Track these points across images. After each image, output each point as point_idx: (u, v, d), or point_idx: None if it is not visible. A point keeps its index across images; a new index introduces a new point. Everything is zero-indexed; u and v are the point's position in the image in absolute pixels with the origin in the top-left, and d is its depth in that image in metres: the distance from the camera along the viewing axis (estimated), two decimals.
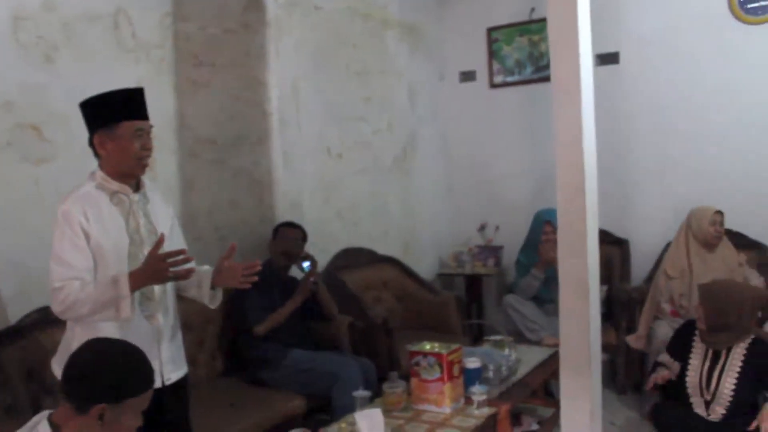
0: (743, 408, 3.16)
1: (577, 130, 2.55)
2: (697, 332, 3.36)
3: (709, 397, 3.24)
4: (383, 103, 4.89)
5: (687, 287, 3.90)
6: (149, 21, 3.41)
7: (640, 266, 4.71)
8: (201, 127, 3.67)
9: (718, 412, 3.22)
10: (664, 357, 3.48)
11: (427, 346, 2.90)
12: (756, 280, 3.98)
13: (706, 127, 4.60)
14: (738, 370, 3.21)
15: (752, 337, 3.26)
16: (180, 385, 2.40)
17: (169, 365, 2.32)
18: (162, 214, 2.38)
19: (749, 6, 4.46)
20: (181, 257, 2.08)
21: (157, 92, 3.38)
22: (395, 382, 2.94)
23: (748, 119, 4.46)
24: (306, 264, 3.62)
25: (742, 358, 3.22)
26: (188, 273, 2.14)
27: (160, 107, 3.39)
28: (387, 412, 2.84)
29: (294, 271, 3.78)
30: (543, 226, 4.38)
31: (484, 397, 2.90)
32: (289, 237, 3.74)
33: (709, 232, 3.92)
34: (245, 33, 3.90)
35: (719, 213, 3.96)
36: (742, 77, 4.48)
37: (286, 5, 4.11)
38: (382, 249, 4.61)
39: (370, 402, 2.89)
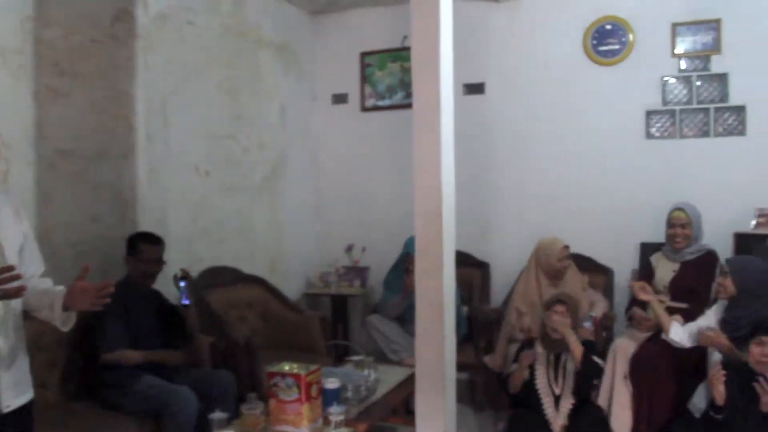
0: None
1: (435, 156, 2.64)
2: (537, 345, 3.69)
3: (558, 391, 3.55)
4: (254, 122, 4.87)
5: (536, 319, 4.10)
6: (8, 24, 3.24)
7: (499, 288, 4.93)
8: (61, 138, 3.50)
9: (565, 406, 3.53)
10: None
11: (286, 367, 2.89)
12: (601, 303, 4.26)
13: (559, 157, 4.91)
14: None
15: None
16: (23, 411, 2.26)
17: (8, 391, 2.18)
18: (11, 230, 2.24)
19: (600, 49, 4.82)
20: (7, 275, 1.95)
21: (13, 99, 3.22)
22: (253, 403, 2.90)
23: (598, 151, 4.82)
24: (183, 284, 3.50)
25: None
26: (18, 291, 2.01)
27: (16, 115, 3.23)
28: None
29: (159, 284, 3.64)
30: (408, 257, 4.48)
31: (342, 417, 2.91)
32: (150, 258, 3.55)
33: (556, 266, 4.15)
34: (113, 44, 3.78)
35: (566, 248, 4.18)
36: (593, 112, 4.83)
37: (157, 18, 4.02)
38: (247, 268, 4.57)
39: (228, 424, 2.85)
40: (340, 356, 4.39)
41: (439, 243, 2.64)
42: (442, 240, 2.64)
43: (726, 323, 3.60)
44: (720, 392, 3.10)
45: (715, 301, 3.69)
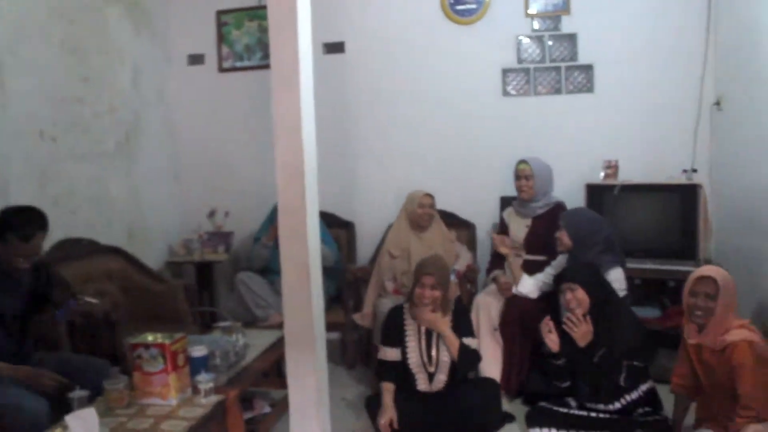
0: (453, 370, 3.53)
1: (295, 115, 2.59)
2: (405, 316, 3.60)
3: (432, 369, 3.52)
4: (104, 84, 4.58)
5: (407, 265, 4.19)
6: None
7: (365, 247, 4.98)
8: None
9: (441, 380, 3.52)
10: None
11: (149, 337, 2.79)
12: (465, 254, 4.40)
13: (421, 115, 4.98)
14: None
15: (452, 302, 3.63)
16: None
17: None
18: None
19: (458, 8, 4.89)
20: None
21: None
22: (116, 379, 2.79)
23: (458, 109, 4.93)
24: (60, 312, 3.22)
25: (450, 323, 3.55)
26: None
27: None
28: (110, 411, 2.70)
29: None
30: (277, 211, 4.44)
31: (211, 384, 2.86)
32: (20, 254, 2.98)
33: (418, 213, 4.24)
34: None
35: (428, 196, 4.30)
36: (452, 71, 4.91)
37: None
38: (104, 238, 4.33)
39: (89, 402, 2.71)
40: (207, 324, 4.29)
41: (302, 203, 2.61)
42: (305, 199, 2.61)
43: None
44: (551, 340, 3.33)
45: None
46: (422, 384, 3.54)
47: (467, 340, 3.52)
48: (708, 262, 4.39)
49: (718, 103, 4.48)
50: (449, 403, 3.43)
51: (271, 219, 4.55)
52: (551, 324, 3.36)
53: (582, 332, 3.22)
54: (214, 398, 2.85)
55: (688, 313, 2.95)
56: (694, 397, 3.10)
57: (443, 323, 3.50)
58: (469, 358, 3.51)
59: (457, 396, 3.46)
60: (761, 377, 2.71)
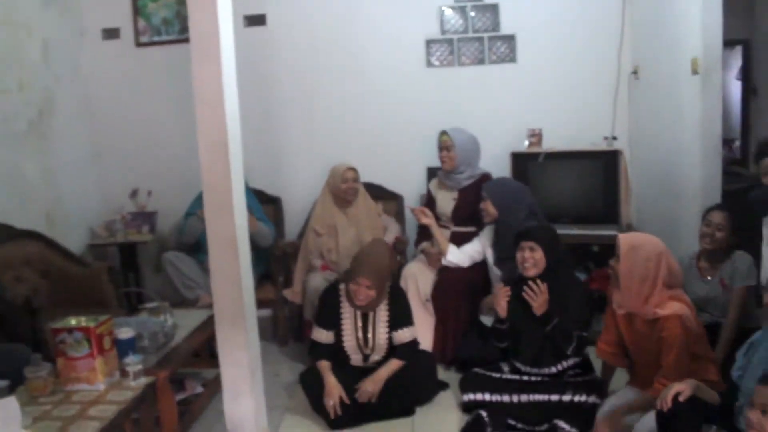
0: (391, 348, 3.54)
1: (217, 89, 2.53)
2: (342, 297, 3.56)
3: (369, 351, 3.53)
4: (11, 60, 4.35)
5: (334, 242, 4.17)
6: None
7: (293, 222, 4.93)
8: None
9: (375, 359, 3.54)
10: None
11: (73, 321, 2.70)
12: (393, 226, 4.41)
13: (345, 88, 4.94)
14: (386, 319, 3.54)
15: (388, 285, 3.60)
16: None
17: None
18: None
19: None
20: None
21: None
22: (38, 366, 2.68)
23: (382, 80, 4.91)
24: None
25: (387, 307, 3.56)
26: None
27: None
28: (33, 399, 2.61)
29: None
30: None
31: (140, 367, 2.80)
32: None
33: (343, 188, 4.18)
34: None
35: (351, 170, 4.23)
36: (376, 42, 4.89)
37: None
38: (20, 223, 4.14)
39: (10, 392, 2.60)
40: (134, 306, 4.18)
41: (227, 178, 2.56)
42: (230, 174, 2.56)
43: (496, 244, 3.90)
44: (502, 307, 3.35)
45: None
46: (357, 362, 3.55)
47: (403, 331, 3.53)
48: (629, 226, 4.53)
49: (635, 72, 4.60)
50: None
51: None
52: (507, 292, 3.36)
53: (540, 302, 3.23)
54: (143, 380, 2.78)
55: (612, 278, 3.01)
56: (620, 363, 3.17)
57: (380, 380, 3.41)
58: (408, 358, 3.51)
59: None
60: (685, 351, 2.77)
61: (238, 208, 2.63)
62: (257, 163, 4.58)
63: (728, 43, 4.46)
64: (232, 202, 2.58)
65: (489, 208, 3.77)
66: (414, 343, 3.58)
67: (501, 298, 3.35)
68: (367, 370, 3.48)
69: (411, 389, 3.45)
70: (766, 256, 3.19)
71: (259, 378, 3.04)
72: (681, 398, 2.37)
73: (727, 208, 3.45)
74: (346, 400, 3.30)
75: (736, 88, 5.78)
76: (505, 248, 3.72)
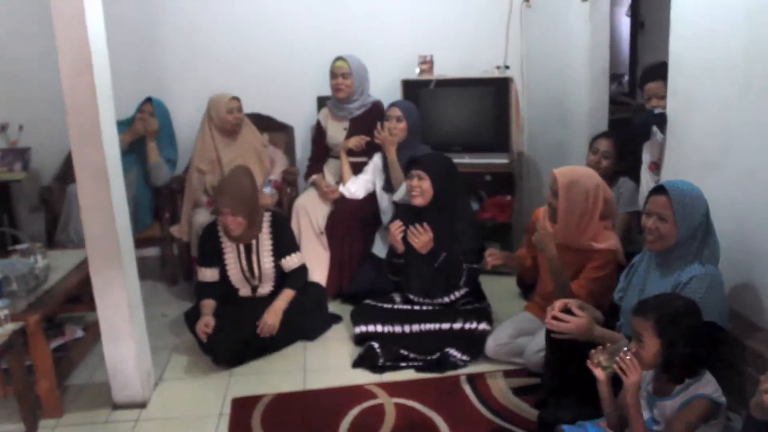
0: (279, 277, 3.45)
1: (77, 3, 2.29)
2: (220, 232, 3.41)
3: (256, 282, 3.42)
4: None
5: (219, 177, 3.96)
6: None
7: (179, 155, 4.65)
8: None
9: (265, 290, 3.44)
10: None
11: None
12: (281, 159, 4.26)
13: (228, 12, 4.66)
14: (270, 248, 3.42)
15: (269, 214, 3.49)
16: None
17: None
18: None
19: None
20: None
21: None
22: None
23: (268, 6, 4.66)
24: None
25: (269, 236, 3.44)
26: None
27: None
28: None
29: None
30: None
31: (6, 312, 2.60)
32: None
33: (227, 119, 3.96)
34: None
35: (235, 99, 4.00)
36: None
37: None
38: None
39: None
40: (6, 250, 3.87)
41: (92, 101, 2.34)
42: (96, 97, 2.34)
43: (386, 169, 3.85)
44: (399, 243, 3.30)
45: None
46: (246, 294, 3.45)
47: (291, 258, 3.44)
48: (521, 154, 4.57)
49: (527, 0, 4.56)
50: None
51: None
52: (400, 226, 3.29)
53: (423, 242, 3.19)
54: (10, 326, 2.59)
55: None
56: (527, 274, 3.26)
57: (276, 311, 3.31)
58: (300, 285, 3.45)
59: None
60: (599, 283, 2.82)
61: (107, 133, 2.42)
62: (132, 91, 4.26)
63: None
64: (100, 127, 2.37)
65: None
66: (303, 268, 3.51)
67: (396, 234, 3.30)
68: (256, 300, 3.39)
69: (302, 322, 3.40)
70: (644, 180, 3.26)
71: (140, 319, 2.91)
72: (569, 306, 2.41)
73: (612, 136, 3.51)
74: (211, 328, 3.17)
75: (625, 24, 5.86)
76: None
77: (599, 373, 2.09)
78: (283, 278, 3.46)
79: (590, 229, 2.85)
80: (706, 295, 2.20)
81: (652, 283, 2.38)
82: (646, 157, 3.22)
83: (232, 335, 3.20)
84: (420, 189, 3.24)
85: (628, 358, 1.97)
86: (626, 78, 5.84)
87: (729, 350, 2.33)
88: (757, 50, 2.34)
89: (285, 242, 3.46)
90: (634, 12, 5.79)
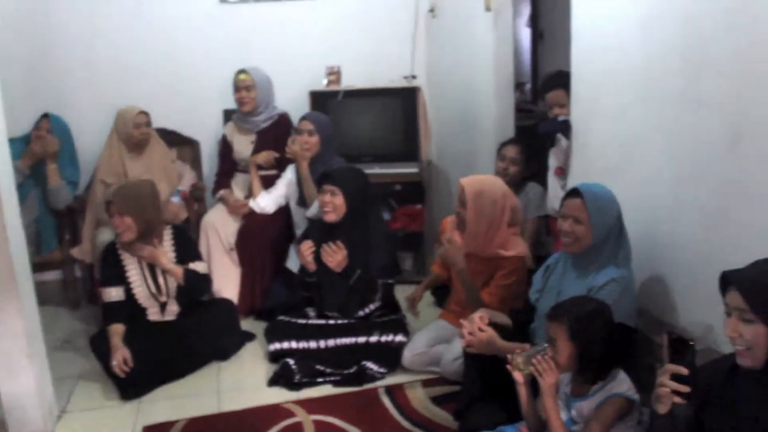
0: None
1: None
2: (120, 250, 3.27)
3: (164, 299, 3.27)
4: None
5: None
6: None
7: (81, 172, 4.43)
8: None
9: (173, 309, 3.29)
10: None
11: None
12: (189, 173, 4.15)
13: (130, 23, 4.49)
14: (173, 261, 3.28)
15: (170, 228, 3.38)
16: None
17: None
18: None
19: None
20: None
21: None
22: None
23: (171, 18, 4.53)
24: None
25: (172, 249, 3.32)
26: None
27: None
28: None
29: None
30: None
31: None
32: None
33: (134, 134, 3.81)
34: None
35: (143, 114, 3.86)
36: None
37: None
38: None
39: None
40: None
41: None
42: None
43: (300, 184, 3.79)
44: (310, 263, 3.24)
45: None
46: (154, 315, 3.29)
47: (195, 265, 3.32)
48: (430, 163, 4.61)
49: (432, 11, 4.61)
50: (185, 330, 3.24)
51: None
52: (311, 248, 3.24)
53: (338, 260, 3.14)
54: None
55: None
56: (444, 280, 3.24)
57: (159, 254, 3.21)
58: (197, 283, 3.32)
59: (192, 321, 3.29)
60: (510, 289, 2.85)
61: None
62: (26, 105, 4.03)
63: None
64: None
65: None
66: (207, 277, 3.41)
67: (306, 254, 3.24)
68: (167, 327, 3.25)
69: (214, 341, 3.31)
70: (551, 186, 3.34)
71: (40, 348, 2.75)
72: (485, 321, 2.42)
73: (520, 142, 3.58)
74: (130, 363, 3.00)
75: (525, 35, 6.02)
76: None
77: (517, 376, 2.11)
78: (191, 303, 3.34)
79: (498, 237, 2.88)
80: (621, 298, 2.26)
81: (568, 285, 2.42)
82: (552, 163, 3.30)
83: (142, 368, 3.04)
84: (333, 205, 3.19)
85: (544, 360, 1.99)
86: (528, 86, 6.00)
87: (640, 348, 2.40)
88: (653, 59, 2.43)
89: (188, 252, 3.35)
90: (534, 23, 5.97)
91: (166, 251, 3.27)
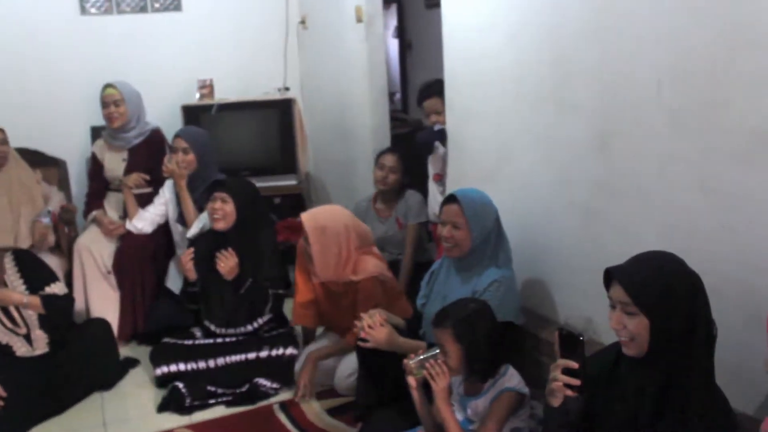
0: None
1: None
2: None
3: (24, 330, 3.03)
4: None
5: None
6: None
7: None
8: None
9: (41, 338, 3.06)
10: None
11: None
12: (56, 195, 3.91)
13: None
14: (23, 287, 3.05)
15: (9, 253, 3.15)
16: None
17: None
18: None
19: None
20: None
21: None
22: None
23: (27, 32, 4.31)
24: None
25: (17, 275, 3.08)
26: None
27: None
28: None
29: None
30: None
31: None
32: None
33: None
34: None
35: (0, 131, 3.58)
36: None
37: None
38: None
39: None
40: None
41: None
42: None
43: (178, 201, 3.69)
44: (190, 271, 3.17)
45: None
46: (22, 349, 3.04)
47: (50, 288, 3.09)
48: (308, 175, 4.62)
49: (303, 22, 4.63)
50: (59, 361, 3.04)
51: None
52: (190, 252, 3.16)
53: (230, 266, 3.06)
54: None
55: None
56: (318, 323, 3.20)
57: (7, 294, 2.97)
58: (60, 307, 3.11)
59: (66, 350, 3.08)
60: (382, 304, 2.80)
61: None
62: None
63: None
64: None
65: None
66: (68, 297, 3.20)
67: (186, 261, 3.16)
68: (38, 360, 3.03)
69: (91, 369, 3.12)
70: (431, 192, 3.43)
71: None
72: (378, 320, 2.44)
73: (397, 151, 3.65)
74: (3, 393, 2.80)
75: (393, 45, 6.16)
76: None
77: (411, 380, 2.14)
78: (59, 328, 3.12)
79: (350, 263, 2.89)
80: (504, 297, 2.36)
81: (453, 289, 2.49)
82: (431, 170, 3.39)
83: (14, 409, 2.81)
84: (223, 212, 3.11)
85: (437, 364, 2.04)
86: (398, 95, 6.14)
87: (526, 344, 2.51)
88: (524, 67, 2.56)
89: (39, 276, 3.11)
90: (401, 33, 6.11)
91: (14, 286, 3.02)
